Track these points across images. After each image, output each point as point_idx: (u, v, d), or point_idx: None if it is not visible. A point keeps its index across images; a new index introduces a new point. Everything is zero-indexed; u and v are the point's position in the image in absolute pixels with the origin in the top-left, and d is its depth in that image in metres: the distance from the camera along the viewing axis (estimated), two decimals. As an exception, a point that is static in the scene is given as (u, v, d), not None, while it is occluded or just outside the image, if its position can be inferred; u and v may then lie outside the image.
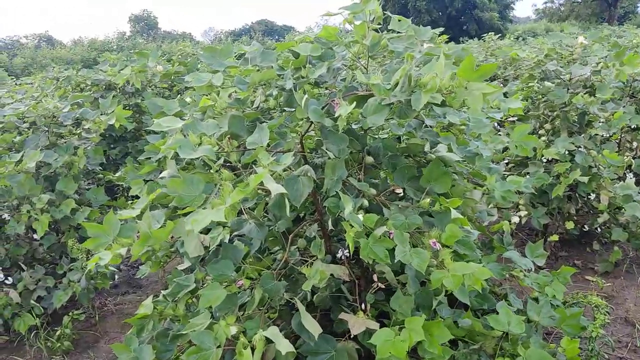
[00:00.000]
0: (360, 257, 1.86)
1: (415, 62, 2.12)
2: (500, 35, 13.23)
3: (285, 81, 2.09)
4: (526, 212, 3.99)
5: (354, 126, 2.24)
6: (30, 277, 3.49)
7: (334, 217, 2.05)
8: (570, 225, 4.00)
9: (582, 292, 3.63)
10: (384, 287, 2.23)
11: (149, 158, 3.27)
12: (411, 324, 1.90)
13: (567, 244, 4.51)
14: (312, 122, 2.09)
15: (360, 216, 1.89)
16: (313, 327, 1.95)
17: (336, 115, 1.80)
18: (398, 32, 2.25)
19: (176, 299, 2.38)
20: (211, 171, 2.04)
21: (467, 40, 19.89)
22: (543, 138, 4.05)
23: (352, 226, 1.87)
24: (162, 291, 2.44)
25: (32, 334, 3.35)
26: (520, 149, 2.20)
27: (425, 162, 2.41)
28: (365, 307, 2.18)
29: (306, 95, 1.88)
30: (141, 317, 2.34)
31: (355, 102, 1.82)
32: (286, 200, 1.70)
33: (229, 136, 1.95)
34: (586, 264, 4.27)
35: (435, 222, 2.07)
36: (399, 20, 2.27)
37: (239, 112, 2.26)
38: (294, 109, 2.15)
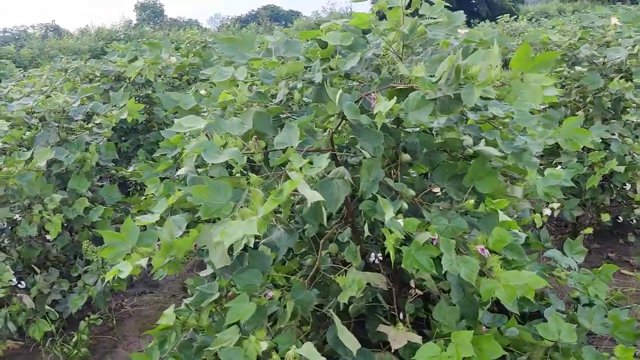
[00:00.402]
0: (403, 267, 1.70)
1: (451, 50, 1.95)
2: (514, 17, 12.94)
3: (314, 74, 1.93)
4: (559, 205, 3.81)
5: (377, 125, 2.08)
6: (44, 280, 3.38)
7: (370, 222, 1.90)
8: (606, 217, 3.82)
9: (621, 287, 3.46)
10: (422, 293, 2.08)
11: (164, 154, 3.12)
12: (458, 339, 1.74)
13: (599, 235, 4.33)
14: (343, 119, 1.93)
15: (401, 221, 1.73)
16: (351, 342, 1.80)
17: (375, 111, 1.64)
18: (431, 18, 2.07)
19: (199, 308, 2.24)
20: (234, 173, 1.89)
21: (478, 23, 19.52)
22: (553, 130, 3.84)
23: (392, 232, 1.72)
24: (184, 299, 2.30)
25: (48, 341, 3.24)
26: (571, 144, 2.02)
27: (462, 158, 2.25)
28: (404, 316, 2.03)
29: (340, 90, 1.72)
30: (163, 328, 2.20)
31: (395, 97, 1.65)
32: (323, 208, 1.54)
33: (255, 136, 1.80)
34: (620, 257, 4.10)
35: (480, 226, 1.91)
36: (432, 4, 2.10)
37: (262, 108, 2.11)
38: (321, 104, 2.00)
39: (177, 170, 2.98)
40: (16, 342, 3.26)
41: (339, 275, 1.94)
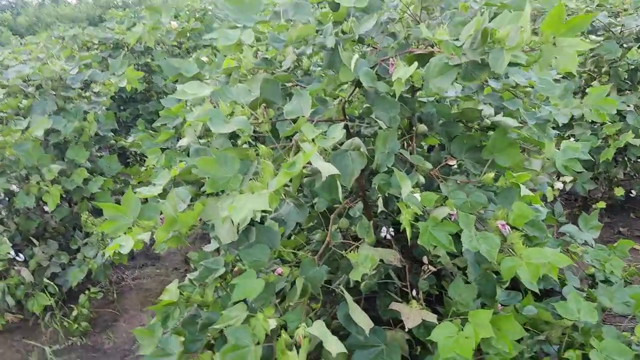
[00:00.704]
0: (420, 244, 1.61)
1: (472, 13, 1.83)
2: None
3: (326, 38, 1.81)
4: (571, 178, 3.71)
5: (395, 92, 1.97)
6: (43, 252, 3.30)
7: (384, 196, 1.80)
8: (620, 191, 3.73)
9: (634, 263, 3.39)
10: (435, 270, 2.00)
11: (165, 124, 3.02)
12: (476, 318, 1.67)
13: (611, 210, 4.25)
14: (357, 86, 1.82)
15: (417, 196, 1.63)
16: (363, 320, 1.73)
17: (393, 77, 1.53)
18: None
19: (204, 283, 2.17)
20: (241, 144, 1.79)
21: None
22: (579, 100, 3.72)
23: (408, 207, 1.63)
24: (187, 274, 2.23)
25: (47, 315, 3.17)
26: (597, 114, 1.92)
27: (479, 130, 2.15)
28: (417, 293, 1.96)
29: (356, 55, 1.61)
30: (166, 304, 2.13)
31: (415, 63, 1.54)
32: (338, 182, 1.45)
33: (264, 105, 1.69)
34: (632, 232, 4.03)
35: (499, 200, 1.82)
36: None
37: (268, 75, 2.00)
38: (332, 71, 1.88)
39: (178, 140, 2.89)
40: (15, 316, 3.20)
41: (350, 252, 1.86)
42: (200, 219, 1.75)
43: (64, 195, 3.68)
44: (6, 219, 3.37)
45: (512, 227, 1.72)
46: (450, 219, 1.67)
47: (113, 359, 2.87)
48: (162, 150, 3.25)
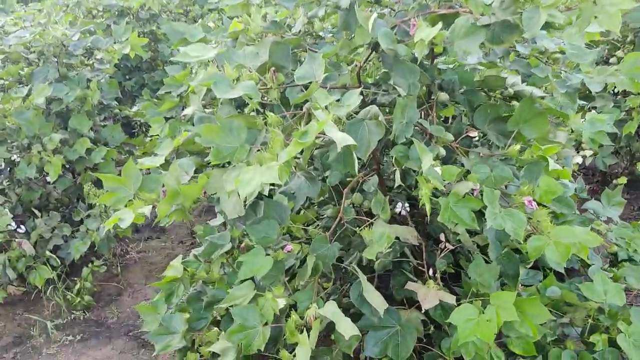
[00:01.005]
0: (440, 220, 1.51)
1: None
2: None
3: (340, -3, 1.68)
4: (591, 152, 3.57)
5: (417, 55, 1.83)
6: (45, 224, 3.22)
7: (402, 169, 1.69)
8: (642, 166, 3.59)
9: (655, 241, 3.26)
10: (452, 247, 1.90)
11: (169, 92, 2.90)
12: (499, 300, 1.56)
13: (630, 185, 4.11)
14: (373, 50, 1.69)
15: (438, 169, 1.52)
16: (377, 301, 1.63)
17: (415, 39, 1.40)
18: None
19: (209, 259, 2.08)
20: (248, 112, 1.67)
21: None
22: (614, 67, 3.56)
23: (428, 182, 1.51)
24: (192, 249, 2.13)
25: (50, 288, 3.10)
26: (631, 84, 1.78)
27: (502, 99, 2.02)
28: (434, 272, 1.86)
29: (374, 15, 1.48)
30: (170, 280, 2.04)
31: (439, 24, 1.41)
32: (354, 154, 1.33)
33: (273, 68, 1.57)
34: (652, 208, 3.90)
35: (525, 175, 1.70)
36: None
37: (278, 39, 1.87)
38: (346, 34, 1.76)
39: (183, 109, 2.78)
40: (17, 288, 3.14)
41: (364, 229, 1.75)
42: (205, 192, 1.65)
43: (66, 166, 3.59)
44: (7, 190, 3.28)
45: (539, 204, 1.61)
46: (472, 194, 1.56)
47: (117, 334, 2.80)
48: (166, 119, 3.14)
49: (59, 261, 3.07)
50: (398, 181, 1.64)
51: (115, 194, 1.73)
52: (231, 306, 1.66)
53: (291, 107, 1.55)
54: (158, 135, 3.12)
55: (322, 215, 2.16)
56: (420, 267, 1.91)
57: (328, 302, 1.58)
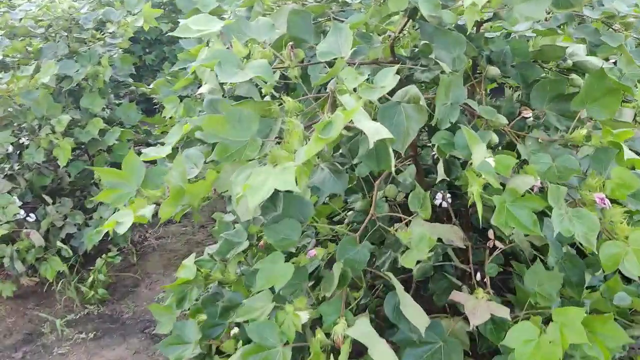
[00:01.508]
0: (494, 224, 1.26)
1: None
2: None
3: (371, -44, 1.42)
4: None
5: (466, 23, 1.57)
6: (57, 212, 3.07)
7: (445, 159, 1.45)
8: None
9: None
10: (504, 247, 1.66)
11: (184, 69, 2.68)
12: (564, 317, 1.32)
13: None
14: (409, 18, 1.44)
15: (491, 160, 1.27)
16: (418, 317, 1.41)
17: (465, 3, 1.14)
18: None
19: (225, 259, 1.88)
20: (263, 97, 1.44)
21: None
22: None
23: (478, 176, 1.27)
24: (206, 248, 1.93)
25: (62, 281, 2.96)
26: None
27: (559, 72, 1.75)
28: (482, 278, 1.62)
29: (413, -26, 1.22)
30: (182, 282, 1.85)
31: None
32: (390, 149, 1.09)
33: (291, 43, 1.32)
34: None
35: (593, 165, 1.43)
36: None
37: (299, 6, 1.63)
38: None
39: (199, 88, 2.58)
40: (31, 279, 3.00)
41: (399, 229, 1.52)
42: (215, 190, 1.44)
43: (79, 149, 3.44)
44: (16, 175, 3.12)
45: (611, 201, 1.35)
46: (531, 191, 1.31)
47: (132, 330, 2.65)
48: (181, 98, 2.94)
49: (70, 252, 2.92)
50: (442, 174, 1.39)
51: (115, 191, 1.54)
52: (247, 322, 1.46)
53: (313, 88, 1.31)
54: (172, 116, 2.93)
55: (349, 206, 1.93)
56: (464, 268, 1.68)
57: (359, 320, 1.37)
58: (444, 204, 1.78)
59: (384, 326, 1.91)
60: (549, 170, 1.36)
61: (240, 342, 1.71)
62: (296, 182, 0.95)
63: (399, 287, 1.44)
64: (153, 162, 1.75)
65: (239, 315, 1.49)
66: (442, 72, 1.35)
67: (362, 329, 1.34)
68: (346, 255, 1.48)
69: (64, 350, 2.54)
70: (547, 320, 1.35)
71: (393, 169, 1.08)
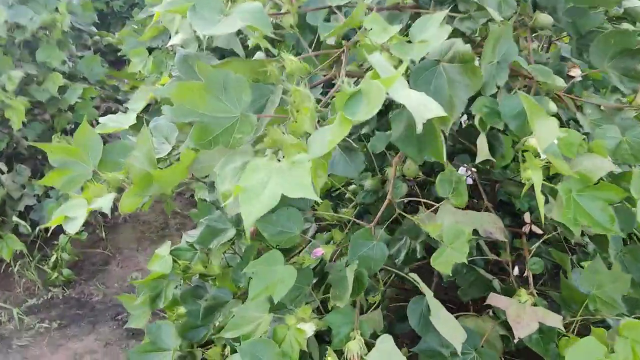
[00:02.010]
0: (561, 221, 0.98)
1: None
2: None
3: None
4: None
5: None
6: (13, 181, 2.73)
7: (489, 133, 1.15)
8: None
9: None
10: (545, 237, 1.40)
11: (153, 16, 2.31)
12: (636, 332, 1.07)
13: None
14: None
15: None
16: (453, 330, 1.14)
17: None
18: None
19: (207, 250, 1.58)
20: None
21: None
22: None
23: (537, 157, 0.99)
24: (185, 234, 1.63)
25: (20, 262, 2.63)
26: None
27: (607, 20, 1.45)
28: (520, 273, 1.36)
29: None
30: (155, 278, 1.56)
31: None
32: (439, 130, 0.79)
33: (290, -20, 1.00)
34: None
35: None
36: None
37: None
38: None
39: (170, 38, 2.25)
40: (-13, 259, 2.68)
41: (423, 217, 1.24)
42: (193, 175, 1.13)
43: (37, 108, 3.08)
44: (-36, 140, 2.77)
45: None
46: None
47: (102, 317, 2.37)
48: (150, 51, 2.58)
49: (29, 228, 2.60)
50: (485, 153, 1.10)
51: (65, 172, 1.24)
52: (238, 338, 1.18)
53: (323, 42, 1.00)
54: (140, 71, 2.58)
55: (351, 180, 1.64)
56: (495, 260, 1.42)
57: (381, 338, 1.09)
58: (469, 181, 1.50)
59: (394, 318, 1.67)
60: (619, 147, 1.08)
61: (229, 348, 1.45)
62: (314, 185, 0.65)
63: (429, 293, 1.17)
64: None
65: (228, 329, 1.20)
66: (490, 20, 1.04)
67: (385, 347, 1.07)
68: (360, 252, 1.20)
69: (24, 342, 2.25)
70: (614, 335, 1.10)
71: (445, 158, 0.78)
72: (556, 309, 1.31)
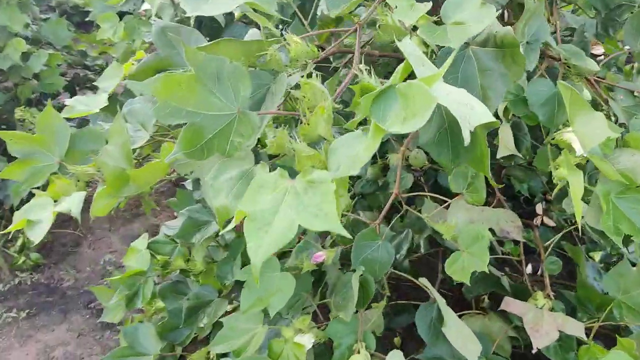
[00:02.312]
0: (598, 227, 0.87)
1: None
2: None
3: None
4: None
5: None
6: (-27, 158, 2.53)
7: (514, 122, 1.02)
8: None
9: None
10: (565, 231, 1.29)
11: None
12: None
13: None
14: None
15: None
16: (468, 343, 1.03)
17: None
18: None
19: (189, 244, 1.44)
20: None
21: None
22: None
23: (571, 154, 0.87)
24: (163, 225, 1.48)
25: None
26: None
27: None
28: (533, 273, 1.26)
29: None
30: (132, 275, 1.42)
31: None
32: (484, 138, 0.66)
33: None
34: None
35: None
36: None
37: None
38: None
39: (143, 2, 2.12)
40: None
41: (434, 214, 1.12)
42: (174, 170, 0.98)
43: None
44: None
45: None
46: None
47: (74, 305, 2.22)
48: (121, 16, 2.37)
49: (-9, 210, 2.42)
50: (510, 147, 0.97)
51: (28, 163, 1.11)
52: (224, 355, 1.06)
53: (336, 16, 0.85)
54: (109, 39, 2.37)
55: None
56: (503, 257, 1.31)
57: (392, 354, 0.98)
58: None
59: (390, 312, 1.56)
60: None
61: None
62: (338, 215, 0.51)
63: (442, 301, 1.05)
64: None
65: (217, 342, 1.07)
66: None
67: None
68: (364, 255, 1.08)
69: (-10, 334, 2.11)
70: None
71: (488, 171, 0.65)
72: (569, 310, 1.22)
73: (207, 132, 0.65)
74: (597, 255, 1.50)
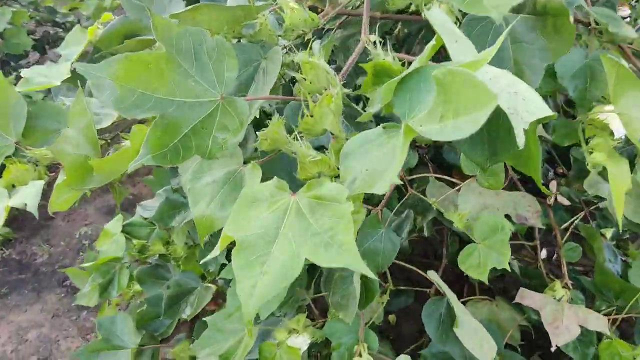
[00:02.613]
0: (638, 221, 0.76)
1: None
2: None
3: None
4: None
5: None
6: None
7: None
8: None
9: None
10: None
11: None
12: None
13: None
14: None
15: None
16: (482, 344, 0.93)
17: None
18: None
19: (168, 227, 1.31)
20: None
21: None
22: None
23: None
24: (138, 205, 1.35)
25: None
26: None
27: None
28: (549, 258, 1.16)
29: None
30: (106, 262, 1.29)
31: None
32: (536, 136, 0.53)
33: None
34: None
35: None
36: None
37: None
38: None
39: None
40: None
41: (443, 198, 1.00)
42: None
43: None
44: None
45: None
46: None
47: (48, 284, 2.09)
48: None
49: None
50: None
51: None
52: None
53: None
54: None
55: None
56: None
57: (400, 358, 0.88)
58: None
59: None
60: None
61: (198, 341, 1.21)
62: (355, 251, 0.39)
63: (453, 297, 0.95)
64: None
65: (202, 344, 0.96)
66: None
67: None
68: (366, 244, 0.96)
69: (-41, 315, 1.98)
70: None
71: (539, 175, 0.52)
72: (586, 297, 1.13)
73: (183, 125, 0.52)
74: (609, 233, 1.41)
